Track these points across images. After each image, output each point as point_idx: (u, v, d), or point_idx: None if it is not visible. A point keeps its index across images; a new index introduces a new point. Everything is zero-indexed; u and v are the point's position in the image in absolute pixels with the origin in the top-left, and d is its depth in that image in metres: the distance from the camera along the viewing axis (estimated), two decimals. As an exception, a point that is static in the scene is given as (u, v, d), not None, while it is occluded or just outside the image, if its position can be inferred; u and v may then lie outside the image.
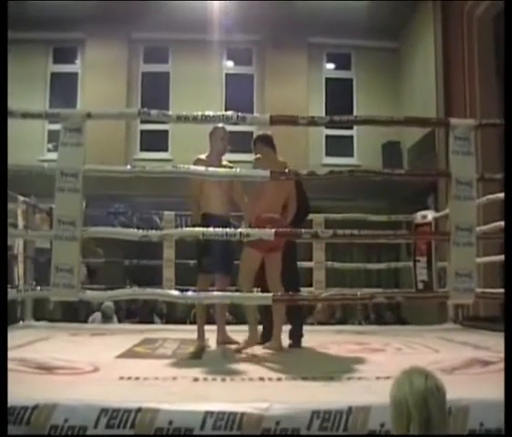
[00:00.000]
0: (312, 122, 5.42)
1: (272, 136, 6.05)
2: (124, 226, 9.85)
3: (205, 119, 4.88)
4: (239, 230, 4.93)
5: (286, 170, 5.50)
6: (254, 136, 6.10)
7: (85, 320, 9.67)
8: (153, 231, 4.97)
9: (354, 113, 13.68)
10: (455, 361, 4.85)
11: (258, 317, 6.11)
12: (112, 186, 9.88)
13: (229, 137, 6.24)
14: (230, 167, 5.96)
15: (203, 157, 6.10)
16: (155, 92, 13.79)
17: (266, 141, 5.99)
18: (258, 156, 5.92)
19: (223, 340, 6.23)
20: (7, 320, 3.55)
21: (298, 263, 6.94)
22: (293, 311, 6.06)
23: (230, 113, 4.95)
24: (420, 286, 8.60)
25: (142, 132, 13.74)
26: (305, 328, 6.55)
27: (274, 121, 5.02)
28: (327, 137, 13.89)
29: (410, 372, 2.40)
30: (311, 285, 9.07)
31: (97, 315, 9.46)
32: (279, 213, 5.78)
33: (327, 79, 14.43)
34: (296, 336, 6.14)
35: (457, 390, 3.19)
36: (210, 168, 5.17)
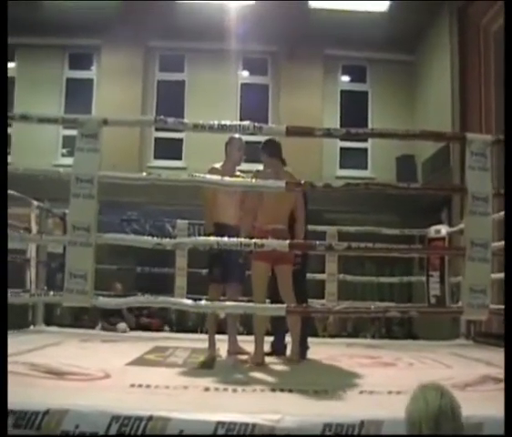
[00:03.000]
0: (329, 134, 5.43)
1: (280, 142, 5.96)
2: (136, 233, 9.86)
3: (221, 128, 4.88)
4: (253, 241, 4.92)
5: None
6: (262, 142, 6.03)
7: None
8: (167, 239, 4.99)
9: (369, 126, 13.66)
10: (468, 378, 4.83)
11: (268, 327, 6.13)
12: (125, 193, 9.89)
13: (244, 148, 6.27)
14: (243, 178, 5.98)
15: (218, 166, 6.12)
16: (170, 100, 13.83)
17: (272, 149, 5.90)
18: (259, 168, 5.87)
19: (234, 350, 6.22)
20: (7, 321, 3.54)
21: (310, 275, 6.94)
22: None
23: (246, 123, 4.95)
24: (432, 300, 8.57)
25: (156, 140, 13.78)
26: (316, 340, 6.54)
27: (290, 132, 5.01)
28: (341, 149, 13.87)
29: (426, 389, 2.35)
30: (322, 297, 9.06)
31: (122, 325, 9.43)
32: (284, 224, 5.74)
33: (342, 91, 14.42)
34: (301, 348, 6.11)
35: (470, 407, 3.16)
36: (225, 178, 5.18)
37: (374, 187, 5.86)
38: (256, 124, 4.93)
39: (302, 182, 5.15)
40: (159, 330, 10.32)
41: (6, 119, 4.44)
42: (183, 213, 9.62)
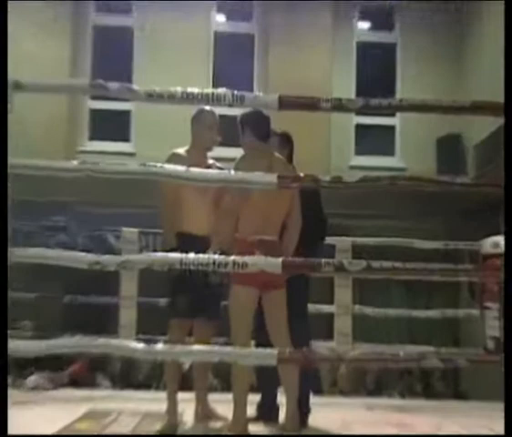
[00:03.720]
0: (339, 106, 5.43)
1: (269, 117, 5.99)
2: (64, 247, 9.84)
3: (186, 98, 4.90)
4: (231, 258, 4.94)
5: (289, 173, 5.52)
6: (239, 115, 6.04)
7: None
8: (109, 256, 4.99)
9: (398, 93, 13.71)
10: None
11: (253, 381, 6.13)
12: (47, 189, 9.87)
13: (219, 125, 6.28)
14: (220, 168, 5.98)
15: (182, 151, 6.13)
16: (112, 56, 13.81)
17: (257, 127, 5.93)
18: (242, 155, 5.90)
19: (204, 413, 6.24)
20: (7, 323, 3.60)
21: (313, 306, 6.95)
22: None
23: (222, 90, 4.98)
24: (490, 345, 8.60)
25: (93, 113, 13.78)
26: (322, 400, 6.55)
27: (285, 104, 5.03)
28: (358, 127, 13.92)
29: None
30: (330, 338, 9.07)
31: (37, 378, 9.35)
32: (275, 235, 5.79)
33: (359, 44, 14.48)
34: (300, 411, 6.11)
35: None
36: (193, 169, 5.18)
37: (405, 182, 5.85)
38: (236, 92, 4.95)
39: (302, 175, 5.17)
40: (86, 379, 10.28)
41: (6, 118, 4.57)
42: (132, 218, 9.61)
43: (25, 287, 9.28)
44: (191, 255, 4.95)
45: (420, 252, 8.65)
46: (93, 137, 13.78)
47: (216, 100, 5.13)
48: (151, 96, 5.02)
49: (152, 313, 8.41)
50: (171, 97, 4.91)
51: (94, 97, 12.88)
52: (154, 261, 5.33)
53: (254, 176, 5.19)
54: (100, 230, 10.49)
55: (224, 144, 6.46)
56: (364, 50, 14.43)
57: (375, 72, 14.16)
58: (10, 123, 4.75)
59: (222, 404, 6.24)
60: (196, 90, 4.97)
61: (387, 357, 5.89)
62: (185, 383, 6.53)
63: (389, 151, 14.03)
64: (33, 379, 9.20)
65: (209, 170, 5.73)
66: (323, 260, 5.16)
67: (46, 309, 10.59)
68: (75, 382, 9.64)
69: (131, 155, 12.91)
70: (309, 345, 6.22)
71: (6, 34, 4.51)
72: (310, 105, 5.31)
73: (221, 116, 6.36)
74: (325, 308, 9.09)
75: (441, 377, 11.78)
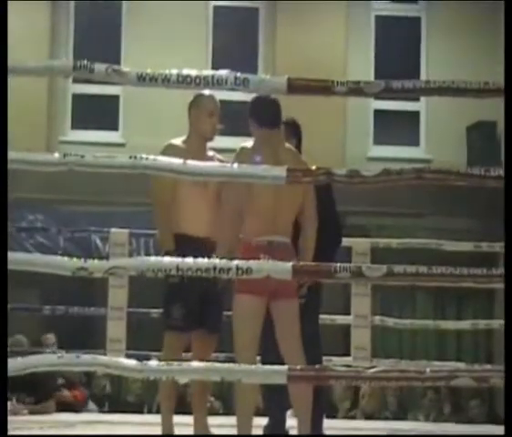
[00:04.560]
0: (356, 89, 5.44)
1: (279, 103, 5.97)
2: (43, 250, 9.86)
3: (183, 81, 4.91)
4: (234, 263, 4.96)
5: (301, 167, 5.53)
6: (250, 103, 6.03)
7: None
8: (95, 261, 5.00)
9: (423, 74, 13.70)
10: None
11: (259, 403, 6.14)
12: (24, 185, 9.91)
13: (220, 112, 6.30)
14: (221, 161, 6.00)
15: (178, 142, 6.14)
16: (98, 33, 13.81)
17: (264, 114, 5.91)
18: (244, 145, 5.90)
19: (204, 439, 6.26)
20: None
21: (326, 316, 6.96)
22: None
23: (223, 72, 5.00)
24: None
25: (76, 98, 13.78)
26: (339, 424, 6.54)
27: (295, 87, 5.03)
28: (377, 113, 13.89)
29: None
30: (347, 353, 9.07)
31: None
32: (286, 236, 5.76)
33: (379, 19, 14.43)
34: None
35: None
36: (191, 162, 5.21)
37: (431, 175, 5.88)
38: (239, 74, 4.97)
39: (314, 168, 5.19)
40: (81, 406, 10.29)
41: (6, 116, 4.65)
42: (121, 218, 9.62)
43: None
44: (189, 259, 4.97)
45: (449, 255, 8.66)
46: (76, 126, 13.76)
47: (217, 83, 5.14)
48: (143, 79, 5.01)
49: (144, 326, 8.43)
50: (166, 81, 4.90)
51: (77, 81, 12.84)
52: (147, 266, 5.36)
53: (260, 169, 5.21)
54: (85, 231, 10.45)
55: (226, 133, 6.47)
56: (384, 25, 14.37)
57: (397, 50, 14.12)
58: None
59: (225, 429, 6.25)
60: (194, 72, 4.98)
61: (411, 374, 5.87)
62: (182, 405, 6.55)
63: (413, 140, 13.99)
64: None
65: (210, 163, 5.75)
66: (338, 265, 5.16)
67: (25, 321, 10.61)
68: (56, 404, 9.62)
69: (120, 145, 12.91)
70: (320, 362, 6.22)
71: (6, 33, 4.57)
72: (322, 88, 5.32)
73: (223, 102, 6.37)
74: (340, 318, 9.08)
75: (475, 396, 11.75)
